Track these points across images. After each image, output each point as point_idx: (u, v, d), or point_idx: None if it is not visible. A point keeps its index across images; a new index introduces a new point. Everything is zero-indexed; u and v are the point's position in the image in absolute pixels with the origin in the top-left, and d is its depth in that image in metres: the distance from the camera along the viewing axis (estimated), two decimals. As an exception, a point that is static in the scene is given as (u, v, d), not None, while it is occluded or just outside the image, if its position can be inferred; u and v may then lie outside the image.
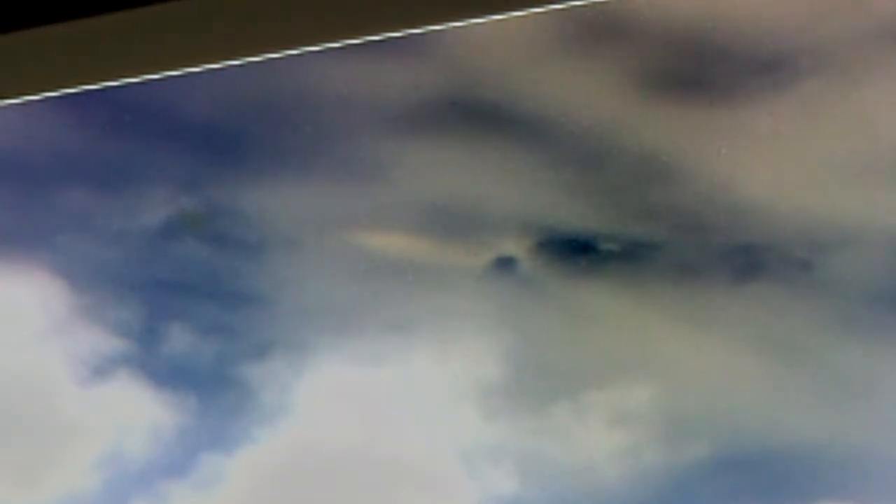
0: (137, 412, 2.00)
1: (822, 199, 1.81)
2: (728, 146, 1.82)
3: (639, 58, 1.86)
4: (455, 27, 1.38)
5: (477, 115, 1.92)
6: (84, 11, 1.39)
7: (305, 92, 1.96)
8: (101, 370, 2.02)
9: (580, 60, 1.88)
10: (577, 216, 1.90)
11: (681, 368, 1.86)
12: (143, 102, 2.01)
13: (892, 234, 1.78)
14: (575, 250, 1.89)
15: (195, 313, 2.02)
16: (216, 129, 2.01)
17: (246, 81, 1.97)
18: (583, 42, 1.87)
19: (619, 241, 1.88)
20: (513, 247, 1.91)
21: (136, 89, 1.83)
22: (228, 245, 2.00)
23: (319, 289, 1.97)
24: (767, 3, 1.81)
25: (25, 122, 2.04)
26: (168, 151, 2.02)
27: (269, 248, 1.98)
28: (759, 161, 1.83)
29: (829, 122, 1.80)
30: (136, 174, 2.03)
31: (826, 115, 1.80)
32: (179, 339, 2.01)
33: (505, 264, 1.91)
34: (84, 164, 2.06)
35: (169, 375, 2.02)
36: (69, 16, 1.39)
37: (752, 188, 1.83)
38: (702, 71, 1.84)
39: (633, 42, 1.85)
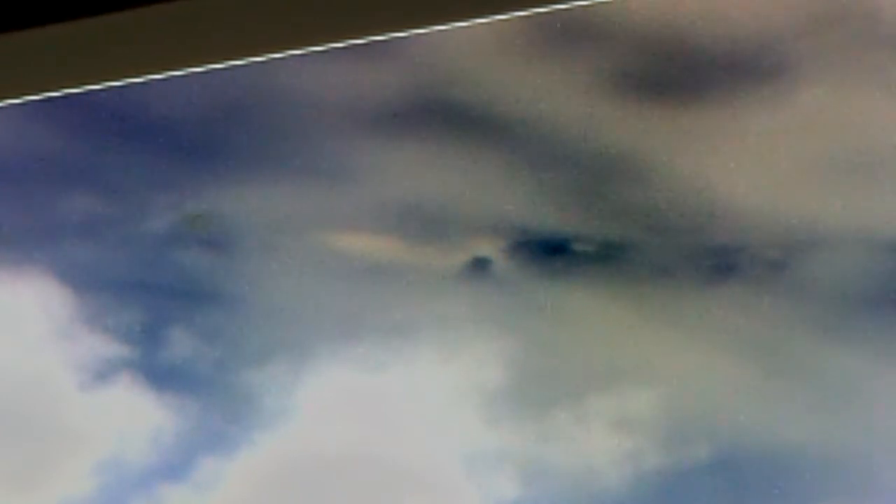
0: (138, 416, 2.05)
1: (795, 201, 1.76)
2: (701, 147, 1.77)
3: (611, 59, 1.82)
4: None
5: (449, 117, 1.90)
6: (72, 14, 1.40)
7: (278, 94, 1.95)
8: (102, 374, 2.06)
9: (552, 62, 1.84)
10: (550, 217, 1.87)
11: (661, 371, 1.84)
12: (114, 105, 2.02)
13: (866, 236, 1.73)
14: (549, 251, 1.87)
15: (192, 317, 2.05)
16: (189, 132, 2.01)
17: (218, 84, 1.96)
18: (555, 43, 1.83)
19: (593, 242, 1.86)
20: (487, 248, 1.89)
21: (106, 92, 1.83)
22: (208, 248, 2.02)
23: (300, 292, 1.98)
24: (738, 5, 1.75)
25: (4, 125, 2.07)
26: (144, 154, 2.03)
27: (244, 250, 1.99)
28: (733, 162, 1.78)
29: (802, 123, 1.74)
30: (113, 177, 2.05)
31: (799, 117, 1.74)
32: (181, 344, 2.05)
33: (480, 265, 1.89)
34: (63, 166, 2.08)
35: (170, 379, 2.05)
36: (56, 18, 1.41)
37: (725, 189, 1.79)
38: (674, 72, 1.79)
39: (605, 44, 1.81)
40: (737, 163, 1.77)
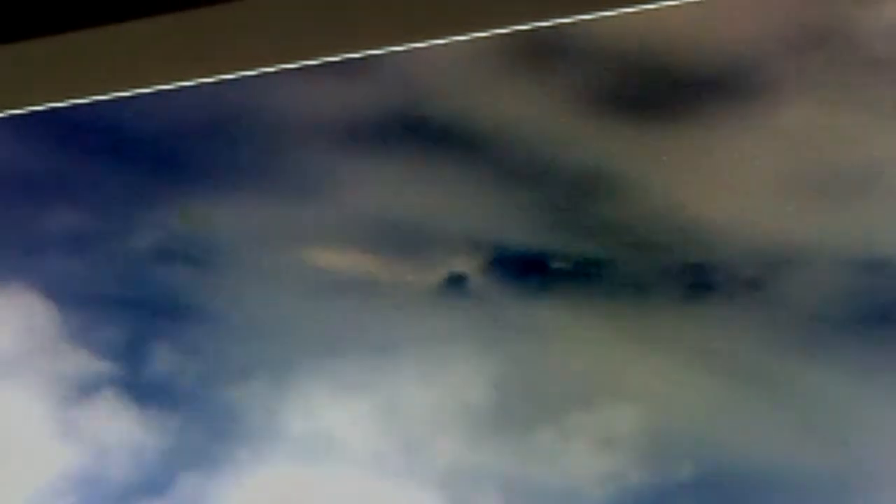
0: (120, 432, 2.04)
1: (771, 219, 1.74)
2: (678, 165, 1.75)
3: (589, 78, 1.80)
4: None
5: (426, 134, 1.89)
6: (54, 29, 1.39)
7: (255, 111, 1.95)
8: (84, 390, 2.06)
9: (530, 79, 1.82)
10: (526, 234, 1.86)
11: (639, 389, 1.83)
12: (90, 121, 2.01)
13: (841, 255, 1.71)
14: (526, 268, 1.86)
15: (175, 334, 2.04)
16: (167, 149, 2.01)
17: (197, 100, 1.96)
18: (533, 61, 1.81)
19: (570, 258, 1.84)
20: (464, 264, 1.88)
21: (82, 108, 1.83)
22: (189, 264, 2.02)
23: (279, 308, 1.98)
24: (716, 27, 1.73)
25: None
26: (121, 171, 2.03)
27: (222, 266, 1.99)
28: (708, 180, 1.76)
29: (779, 142, 1.72)
30: (91, 194, 2.05)
31: (776, 136, 1.72)
32: (163, 360, 2.04)
33: (456, 282, 1.88)
34: (40, 182, 2.08)
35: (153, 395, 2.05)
36: (38, 33, 1.40)
37: (702, 207, 1.77)
38: (651, 91, 1.77)
39: (582, 62, 1.79)
40: (713, 181, 1.75)
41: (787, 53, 1.68)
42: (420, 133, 1.89)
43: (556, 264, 1.84)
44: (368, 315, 1.93)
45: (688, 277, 1.78)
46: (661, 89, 1.76)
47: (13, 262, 2.13)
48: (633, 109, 1.79)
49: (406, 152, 1.90)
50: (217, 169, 1.97)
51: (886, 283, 1.70)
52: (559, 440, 1.87)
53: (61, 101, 1.49)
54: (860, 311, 1.72)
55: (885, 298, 1.70)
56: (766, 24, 1.69)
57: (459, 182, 1.86)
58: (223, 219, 1.98)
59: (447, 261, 1.89)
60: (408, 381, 1.93)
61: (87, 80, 1.44)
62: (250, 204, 1.97)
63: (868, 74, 1.67)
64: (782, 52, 1.69)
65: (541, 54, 1.80)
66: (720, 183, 1.75)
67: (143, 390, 2.05)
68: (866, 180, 1.69)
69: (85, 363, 2.07)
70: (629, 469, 1.85)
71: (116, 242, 2.07)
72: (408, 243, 1.90)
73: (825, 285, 1.71)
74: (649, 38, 1.74)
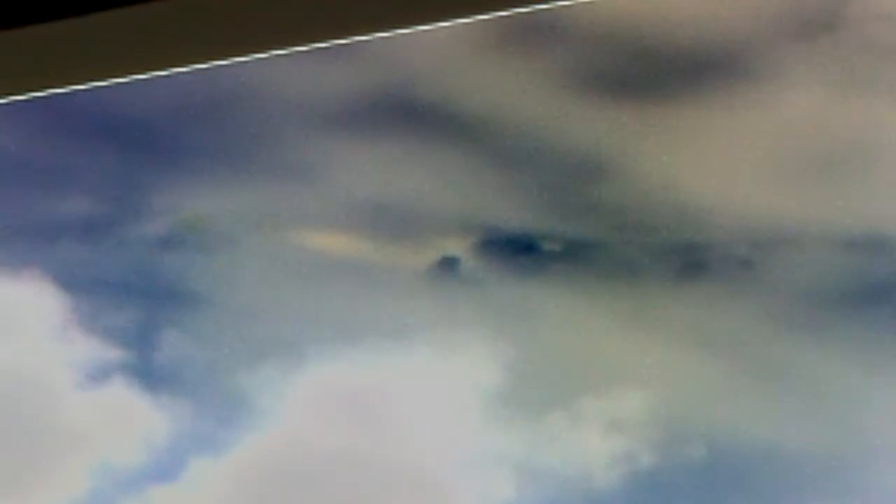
0: (131, 418, 2.06)
1: (762, 198, 1.70)
2: (669, 146, 1.71)
3: (576, 58, 1.76)
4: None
5: (415, 115, 1.86)
6: (55, 14, 1.40)
7: (244, 92, 1.94)
8: (95, 376, 2.08)
9: (519, 60, 1.79)
10: (518, 216, 1.83)
11: (638, 371, 1.80)
12: (78, 107, 2.01)
13: (833, 233, 1.66)
14: (517, 250, 1.83)
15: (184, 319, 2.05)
16: (154, 131, 2.01)
17: (184, 82, 1.95)
18: (521, 42, 1.78)
19: (561, 240, 1.81)
20: (455, 247, 1.86)
21: (68, 95, 1.83)
22: (194, 250, 2.02)
23: (277, 292, 1.97)
24: (703, 5, 1.68)
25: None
26: (107, 154, 2.03)
27: (227, 251, 1.99)
28: (700, 160, 1.72)
29: (769, 121, 1.68)
30: (102, 180, 2.06)
31: (766, 115, 1.67)
32: (174, 346, 2.05)
33: (448, 264, 1.86)
34: (24, 164, 2.09)
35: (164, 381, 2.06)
36: (34, 20, 1.41)
37: (692, 187, 1.73)
38: (642, 72, 1.73)
39: (570, 42, 1.75)
40: (703, 160, 1.71)
41: (788, 35, 1.63)
42: (411, 115, 1.86)
43: (547, 246, 1.81)
44: (366, 299, 1.92)
45: (680, 258, 1.74)
46: (656, 71, 1.72)
47: (23, 250, 2.15)
48: (625, 90, 1.75)
49: (397, 135, 1.87)
50: (211, 153, 1.97)
51: (883, 262, 1.65)
52: (569, 424, 1.84)
53: (62, 87, 1.49)
54: (857, 289, 1.67)
55: (882, 277, 1.65)
56: (767, 5, 1.64)
57: (450, 164, 1.84)
58: (213, 203, 1.97)
59: (439, 243, 1.87)
60: (408, 364, 1.92)
61: (86, 66, 1.43)
62: (239, 187, 1.96)
63: (870, 58, 1.62)
64: (782, 34, 1.64)
65: (533, 35, 1.76)
66: (715, 163, 1.71)
67: (153, 376, 2.07)
68: (864, 161, 1.64)
69: (96, 349, 2.09)
70: (639, 452, 1.82)
71: (125, 229, 2.08)
72: (399, 226, 1.88)
73: (818, 264, 1.67)
74: (643, 18, 1.69)
